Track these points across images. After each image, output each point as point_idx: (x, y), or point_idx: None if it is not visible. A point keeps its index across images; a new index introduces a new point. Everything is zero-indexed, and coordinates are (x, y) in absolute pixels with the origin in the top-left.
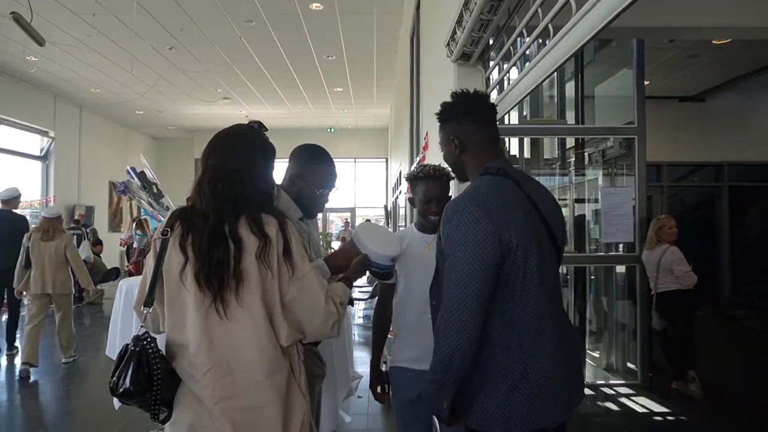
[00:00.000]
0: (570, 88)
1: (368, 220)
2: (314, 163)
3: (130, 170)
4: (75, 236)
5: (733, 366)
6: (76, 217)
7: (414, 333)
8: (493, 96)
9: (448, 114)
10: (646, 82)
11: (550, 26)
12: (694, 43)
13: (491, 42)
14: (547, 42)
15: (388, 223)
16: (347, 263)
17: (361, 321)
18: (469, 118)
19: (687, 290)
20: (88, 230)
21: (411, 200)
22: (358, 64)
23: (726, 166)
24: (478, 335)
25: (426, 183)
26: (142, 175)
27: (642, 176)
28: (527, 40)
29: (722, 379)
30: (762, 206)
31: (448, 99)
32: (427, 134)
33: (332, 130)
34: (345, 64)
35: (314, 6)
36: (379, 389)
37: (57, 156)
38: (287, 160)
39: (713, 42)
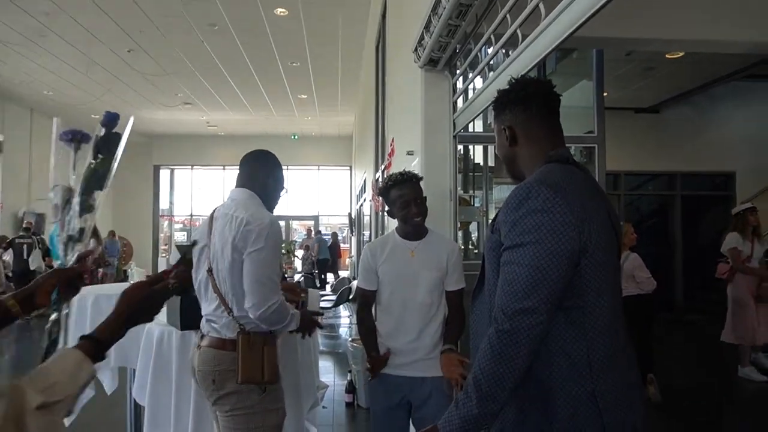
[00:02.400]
0: None
1: (318, 231)
2: (281, 165)
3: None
4: (25, 245)
5: (688, 369)
6: (25, 225)
7: (392, 338)
8: (459, 103)
9: (500, 102)
10: (604, 93)
11: (518, 32)
12: (649, 56)
13: (458, 48)
14: (511, 51)
15: (352, 231)
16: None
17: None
18: (521, 106)
19: (646, 295)
20: (38, 239)
21: (389, 212)
22: (323, 71)
23: (679, 176)
24: (538, 345)
25: (399, 188)
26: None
27: (602, 184)
28: (495, 46)
29: (679, 381)
30: (712, 214)
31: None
32: (393, 140)
33: (296, 137)
34: (309, 70)
35: (279, 11)
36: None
37: (5, 160)
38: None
39: (667, 56)
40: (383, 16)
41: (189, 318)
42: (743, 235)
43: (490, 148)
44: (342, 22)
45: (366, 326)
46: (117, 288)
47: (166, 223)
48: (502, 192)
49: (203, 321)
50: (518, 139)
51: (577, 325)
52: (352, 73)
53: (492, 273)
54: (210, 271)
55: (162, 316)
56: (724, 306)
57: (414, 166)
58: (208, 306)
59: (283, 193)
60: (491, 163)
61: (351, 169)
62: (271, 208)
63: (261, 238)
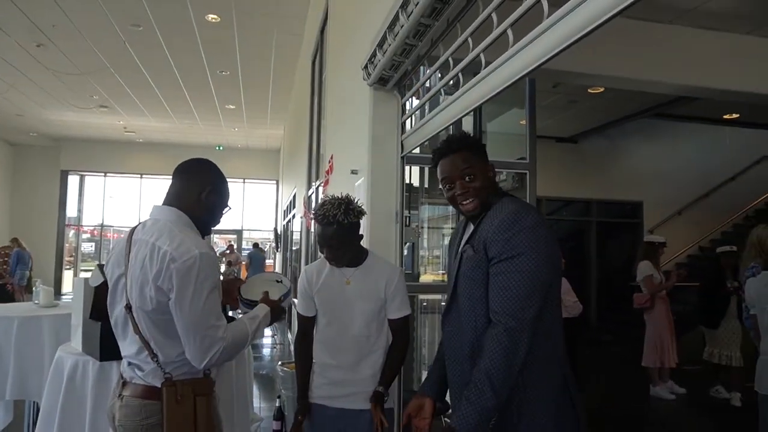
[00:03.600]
0: (467, 122)
1: (256, 244)
2: (224, 177)
3: None
4: None
5: (604, 388)
6: None
7: (327, 369)
8: (407, 124)
9: (481, 145)
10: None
11: (482, 56)
12: (573, 90)
13: (409, 69)
14: (454, 80)
15: (277, 247)
16: None
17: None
18: (484, 151)
19: (573, 319)
20: None
21: None
22: (253, 82)
23: (594, 203)
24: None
25: (319, 227)
26: None
27: None
28: (453, 70)
29: (597, 400)
30: (621, 240)
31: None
32: (332, 157)
33: (221, 148)
34: (239, 80)
35: (210, 17)
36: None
37: None
38: (172, 176)
39: (589, 90)
40: (322, 30)
41: (110, 346)
42: (653, 263)
43: (427, 169)
44: (277, 33)
45: (302, 361)
46: (17, 308)
47: (72, 232)
48: (425, 212)
49: (124, 364)
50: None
51: (547, 328)
52: (284, 86)
53: (475, 289)
54: (129, 307)
55: (77, 343)
56: (634, 327)
57: (359, 185)
58: (128, 347)
59: (225, 211)
60: (426, 184)
61: (278, 184)
62: (206, 231)
63: (191, 278)
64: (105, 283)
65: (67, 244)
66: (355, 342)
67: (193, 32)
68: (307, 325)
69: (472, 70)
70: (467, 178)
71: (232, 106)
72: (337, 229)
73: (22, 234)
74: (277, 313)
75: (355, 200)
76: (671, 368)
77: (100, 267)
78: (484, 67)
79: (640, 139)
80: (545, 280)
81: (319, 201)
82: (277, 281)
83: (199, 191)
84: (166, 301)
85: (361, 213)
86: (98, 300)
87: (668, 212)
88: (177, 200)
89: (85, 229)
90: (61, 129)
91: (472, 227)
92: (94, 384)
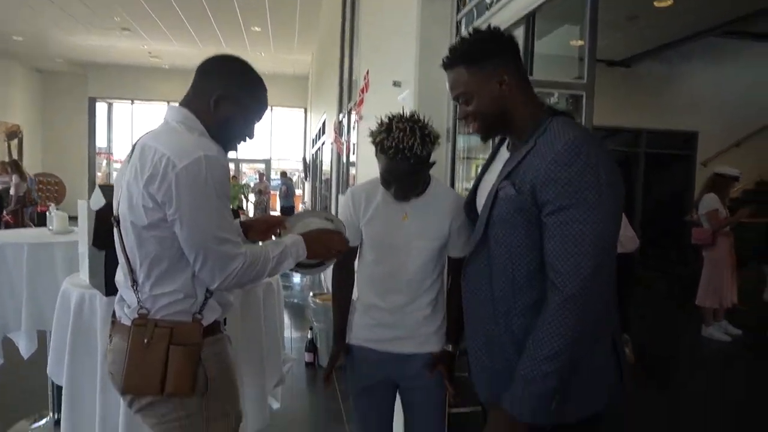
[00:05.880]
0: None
1: (284, 173)
2: (256, 85)
3: None
4: None
5: (650, 327)
6: None
7: (377, 311)
8: (465, 25)
9: (488, 48)
10: (580, 42)
11: None
12: (635, 3)
13: None
14: None
15: (306, 176)
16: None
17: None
18: (511, 54)
19: (628, 254)
20: None
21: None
22: (280, 2)
23: (644, 133)
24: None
25: (386, 161)
26: None
27: None
28: None
29: (644, 340)
30: (672, 172)
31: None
32: (367, 73)
33: None
34: (266, 1)
35: None
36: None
37: None
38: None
39: (655, 4)
40: None
41: None
42: (721, 197)
43: None
44: None
45: (342, 299)
46: (28, 235)
47: (104, 162)
48: (460, 142)
49: (117, 297)
50: (513, 89)
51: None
52: (312, 8)
53: (514, 236)
54: (117, 220)
55: (84, 274)
56: (679, 264)
57: (403, 98)
58: (119, 270)
59: (258, 122)
60: None
61: (306, 112)
62: (223, 146)
63: (196, 184)
64: (107, 206)
65: (99, 173)
66: (409, 284)
67: None
68: (348, 255)
69: None
70: (461, 101)
71: (257, 29)
72: (415, 165)
73: (55, 163)
74: (320, 247)
75: (424, 120)
76: (727, 309)
77: (102, 188)
78: None
79: (702, 63)
80: (615, 228)
81: (377, 123)
82: (327, 219)
83: (208, 96)
84: (161, 214)
85: (437, 137)
86: (100, 225)
87: (726, 143)
88: (193, 99)
89: (116, 158)
90: (87, 54)
91: (507, 154)
92: (102, 320)
